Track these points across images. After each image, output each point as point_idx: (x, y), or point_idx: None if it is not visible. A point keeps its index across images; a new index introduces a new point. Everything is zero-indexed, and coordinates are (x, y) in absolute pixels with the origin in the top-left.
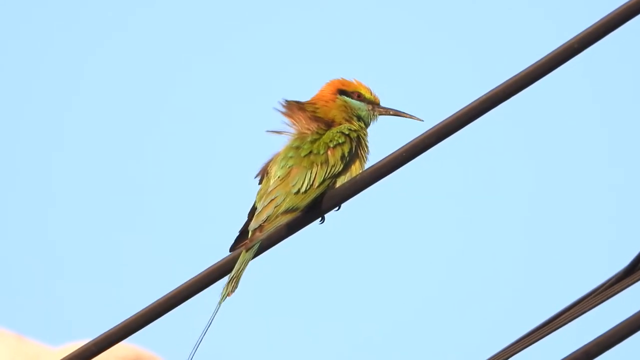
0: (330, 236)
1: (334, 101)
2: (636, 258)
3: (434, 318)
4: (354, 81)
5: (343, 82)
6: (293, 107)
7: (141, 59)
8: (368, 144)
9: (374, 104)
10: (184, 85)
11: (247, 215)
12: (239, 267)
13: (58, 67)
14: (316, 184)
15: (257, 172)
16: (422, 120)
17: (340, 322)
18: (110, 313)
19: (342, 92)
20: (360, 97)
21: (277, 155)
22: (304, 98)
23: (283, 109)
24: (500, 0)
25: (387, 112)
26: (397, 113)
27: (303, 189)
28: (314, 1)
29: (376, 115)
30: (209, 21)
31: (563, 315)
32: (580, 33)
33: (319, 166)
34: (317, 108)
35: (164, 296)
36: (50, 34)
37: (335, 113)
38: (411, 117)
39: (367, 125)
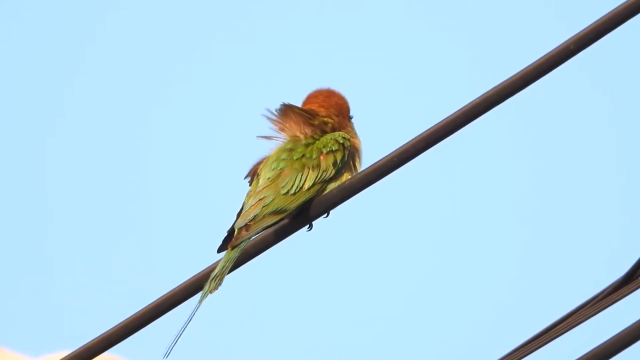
0: (318, 244)
1: (351, 128)
2: (634, 265)
3: (425, 328)
4: (344, 98)
5: (347, 106)
6: (289, 111)
7: (131, 61)
8: (361, 155)
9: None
10: (172, 88)
11: (235, 216)
12: (223, 265)
13: (47, 66)
14: (306, 186)
15: (246, 172)
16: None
17: (329, 330)
18: (92, 323)
19: (350, 117)
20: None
21: (268, 157)
22: (297, 98)
23: (274, 115)
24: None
25: None
26: None
27: (292, 191)
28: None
29: None
30: (202, 19)
31: (559, 326)
32: (577, 34)
33: (311, 169)
34: (328, 124)
35: (148, 305)
36: (39, 33)
37: (347, 131)
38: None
39: None
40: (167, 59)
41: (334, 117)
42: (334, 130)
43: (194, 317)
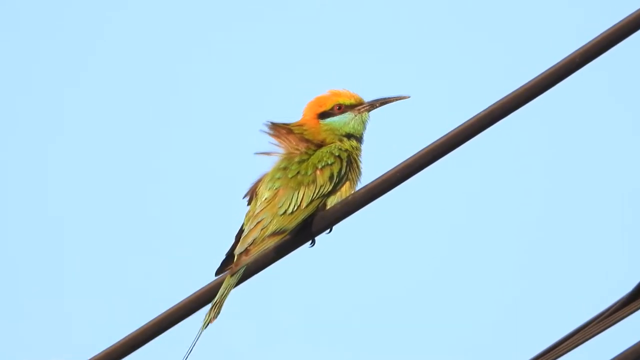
0: (320, 260)
1: (318, 127)
2: None
3: (429, 346)
4: (328, 93)
5: (319, 102)
6: (280, 129)
7: (126, 72)
8: (361, 164)
9: (358, 104)
10: (169, 104)
11: (234, 238)
12: (222, 292)
13: (51, 69)
14: (304, 204)
15: (245, 192)
16: (409, 97)
17: (333, 347)
18: (93, 340)
19: (322, 114)
20: (341, 108)
21: (266, 175)
22: (295, 111)
23: (269, 130)
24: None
25: (374, 105)
26: (384, 101)
27: (290, 210)
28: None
29: (366, 115)
30: (206, 29)
31: (564, 343)
32: (582, 47)
33: (307, 186)
34: (305, 130)
35: (147, 324)
36: (42, 34)
37: (324, 136)
38: (397, 98)
39: (360, 135)
40: (164, 74)
41: (308, 122)
42: (312, 135)
43: (195, 344)
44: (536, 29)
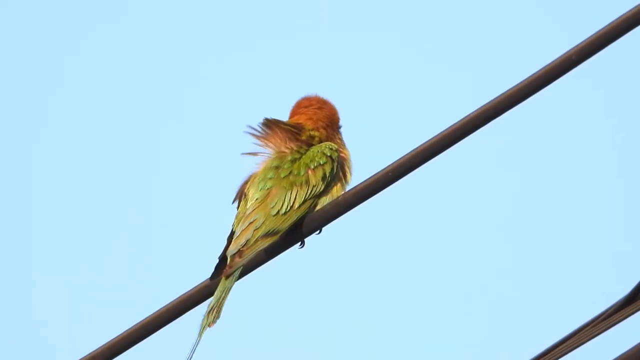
0: (310, 261)
1: (337, 135)
2: (638, 285)
3: (422, 351)
4: (333, 107)
5: (336, 115)
6: (273, 126)
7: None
8: (351, 165)
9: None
10: (157, 107)
11: (226, 240)
12: (219, 295)
13: (37, 67)
14: (296, 204)
15: (234, 196)
16: None
17: (321, 352)
18: (77, 344)
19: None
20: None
21: (255, 175)
22: (287, 107)
23: (258, 130)
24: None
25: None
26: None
27: (283, 210)
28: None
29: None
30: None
31: (560, 347)
32: (579, 44)
33: (300, 187)
34: (315, 137)
35: (137, 324)
36: (29, 30)
37: (334, 141)
38: None
39: None
40: (152, 77)
41: (321, 130)
42: (321, 142)
43: (194, 351)
44: (530, 29)
